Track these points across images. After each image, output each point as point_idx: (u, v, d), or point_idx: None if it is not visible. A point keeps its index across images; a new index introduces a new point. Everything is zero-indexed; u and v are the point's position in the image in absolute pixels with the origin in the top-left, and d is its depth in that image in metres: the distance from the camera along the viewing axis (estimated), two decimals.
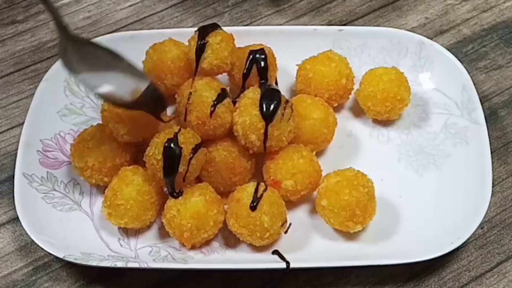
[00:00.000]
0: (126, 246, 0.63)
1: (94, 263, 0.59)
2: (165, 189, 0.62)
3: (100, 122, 0.66)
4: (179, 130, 0.61)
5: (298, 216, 0.65)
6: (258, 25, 0.82)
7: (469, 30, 0.81)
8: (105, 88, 0.60)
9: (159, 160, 0.60)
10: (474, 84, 0.71)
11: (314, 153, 0.66)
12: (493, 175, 0.64)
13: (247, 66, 0.68)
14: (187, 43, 0.69)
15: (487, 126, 0.68)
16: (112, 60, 0.61)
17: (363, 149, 0.70)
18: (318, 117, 0.67)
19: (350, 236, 0.63)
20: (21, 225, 0.62)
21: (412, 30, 0.79)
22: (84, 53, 0.60)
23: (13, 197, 0.63)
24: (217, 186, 0.64)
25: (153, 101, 0.62)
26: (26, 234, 0.61)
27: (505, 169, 0.69)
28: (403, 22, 0.82)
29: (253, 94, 0.64)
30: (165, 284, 0.63)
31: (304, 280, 0.63)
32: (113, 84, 0.60)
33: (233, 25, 0.81)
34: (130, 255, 0.62)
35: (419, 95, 0.72)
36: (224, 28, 0.69)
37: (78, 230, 0.64)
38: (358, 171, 0.63)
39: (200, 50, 0.67)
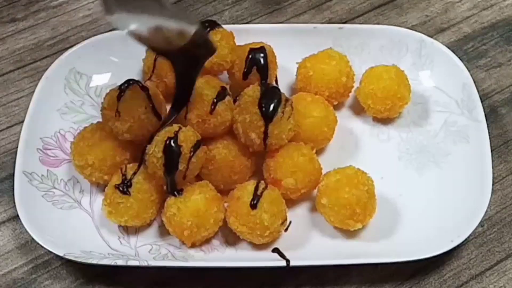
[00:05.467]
0: (126, 244, 0.63)
1: (94, 261, 0.59)
2: (165, 187, 0.62)
3: (100, 120, 0.66)
4: (179, 128, 0.61)
5: (298, 214, 0.65)
6: (258, 23, 0.82)
7: (469, 28, 0.81)
8: (146, 31, 0.57)
9: (159, 158, 0.60)
10: (474, 82, 0.71)
11: (314, 151, 0.66)
12: (493, 173, 0.64)
13: (247, 64, 0.68)
14: None
15: (487, 124, 0.68)
16: (157, 5, 0.58)
17: (363, 147, 0.70)
18: (318, 115, 0.67)
19: (350, 234, 0.63)
20: (21, 223, 0.62)
21: (412, 28, 0.79)
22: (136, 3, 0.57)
23: (13, 195, 0.63)
24: (217, 184, 0.64)
25: (199, 46, 0.60)
26: (26, 232, 0.61)
27: (505, 167, 0.69)
28: (403, 20, 0.82)
29: (253, 92, 0.64)
30: (165, 282, 0.63)
31: (304, 278, 0.63)
32: (157, 30, 0.58)
33: (233, 23, 0.81)
34: (130, 253, 0.62)
35: (419, 93, 0.72)
36: (224, 26, 0.69)
37: (78, 228, 0.64)
38: (358, 169, 0.63)
39: None
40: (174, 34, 0.58)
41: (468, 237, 0.61)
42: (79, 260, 0.59)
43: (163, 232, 0.64)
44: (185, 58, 0.60)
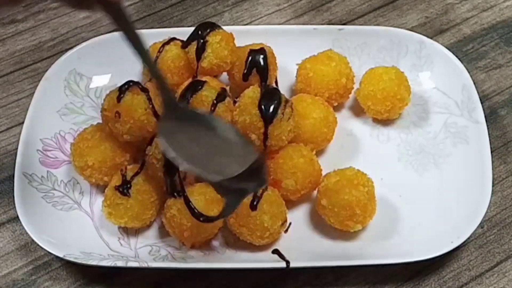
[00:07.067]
0: (126, 245, 0.63)
1: (94, 263, 0.59)
2: (165, 188, 0.62)
3: (100, 121, 0.66)
4: None
5: (298, 216, 0.65)
6: (258, 24, 0.82)
7: (469, 30, 0.81)
8: (199, 166, 0.55)
9: (159, 159, 0.60)
10: (474, 83, 0.71)
11: (314, 152, 0.66)
12: (493, 174, 0.64)
13: (247, 65, 0.68)
14: None
15: (487, 126, 0.68)
16: (218, 139, 0.57)
17: (363, 148, 0.70)
18: (318, 116, 0.67)
19: (350, 235, 0.63)
20: (21, 225, 0.62)
21: (412, 29, 0.79)
22: (191, 133, 0.57)
23: (13, 196, 0.63)
24: None
25: (252, 178, 0.56)
26: (26, 233, 0.61)
27: (505, 168, 0.69)
28: (403, 21, 0.82)
29: (253, 93, 0.64)
30: (165, 283, 0.63)
31: (304, 279, 0.63)
32: (214, 163, 0.56)
33: (233, 25, 0.81)
34: (130, 254, 0.62)
35: (419, 95, 0.72)
36: (224, 28, 0.69)
37: (78, 229, 0.64)
38: (358, 170, 0.63)
39: (200, 49, 0.67)
40: (228, 163, 0.57)
41: (468, 238, 0.61)
42: (79, 261, 0.59)
43: (163, 233, 0.64)
44: (232, 188, 0.57)
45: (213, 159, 0.57)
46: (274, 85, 0.71)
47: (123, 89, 0.64)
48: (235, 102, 0.65)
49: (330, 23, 0.81)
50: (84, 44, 0.73)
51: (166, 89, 0.57)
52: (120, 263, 0.60)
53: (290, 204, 0.65)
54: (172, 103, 0.57)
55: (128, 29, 0.53)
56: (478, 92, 0.70)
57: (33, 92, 0.70)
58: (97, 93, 0.73)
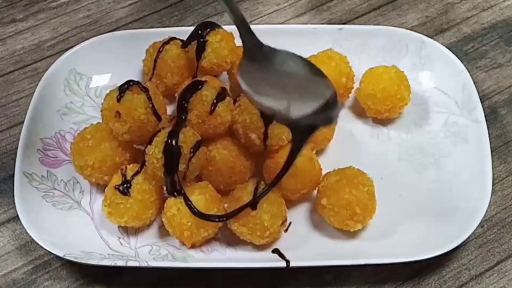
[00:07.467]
0: (126, 245, 0.63)
1: (94, 262, 0.59)
2: (165, 188, 0.62)
3: (100, 121, 0.66)
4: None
5: (298, 215, 0.65)
6: (258, 24, 0.82)
7: (469, 29, 0.81)
8: (278, 104, 0.57)
9: (159, 159, 0.60)
10: (474, 82, 0.71)
11: (314, 151, 0.66)
12: (493, 174, 0.64)
13: None
14: None
15: (487, 125, 0.68)
16: (295, 76, 0.58)
17: (363, 148, 0.70)
18: None
19: (350, 235, 0.63)
20: (21, 224, 0.62)
21: (412, 28, 0.79)
22: (270, 72, 0.58)
23: (13, 196, 0.63)
24: (217, 184, 0.64)
25: (325, 114, 0.57)
26: (26, 233, 0.61)
27: (505, 167, 0.69)
28: (403, 21, 0.82)
29: None
30: (165, 283, 0.63)
31: (304, 279, 0.63)
32: (290, 99, 0.57)
33: (233, 24, 0.81)
34: (130, 254, 0.62)
35: (419, 94, 0.72)
36: (224, 27, 0.69)
37: (78, 229, 0.64)
38: (358, 169, 0.63)
39: (200, 49, 0.67)
40: (304, 100, 0.57)
41: (468, 237, 0.61)
42: (79, 260, 0.59)
43: (163, 232, 0.64)
44: (301, 125, 0.57)
45: (291, 96, 0.57)
46: None
47: (123, 89, 0.64)
48: (235, 101, 0.65)
49: (330, 22, 0.81)
50: (84, 43, 0.73)
51: (247, 31, 0.57)
52: (120, 263, 0.60)
53: (290, 203, 0.65)
54: (252, 44, 0.58)
55: None
56: (478, 92, 0.70)
57: (33, 92, 0.70)
58: (97, 92, 0.73)
